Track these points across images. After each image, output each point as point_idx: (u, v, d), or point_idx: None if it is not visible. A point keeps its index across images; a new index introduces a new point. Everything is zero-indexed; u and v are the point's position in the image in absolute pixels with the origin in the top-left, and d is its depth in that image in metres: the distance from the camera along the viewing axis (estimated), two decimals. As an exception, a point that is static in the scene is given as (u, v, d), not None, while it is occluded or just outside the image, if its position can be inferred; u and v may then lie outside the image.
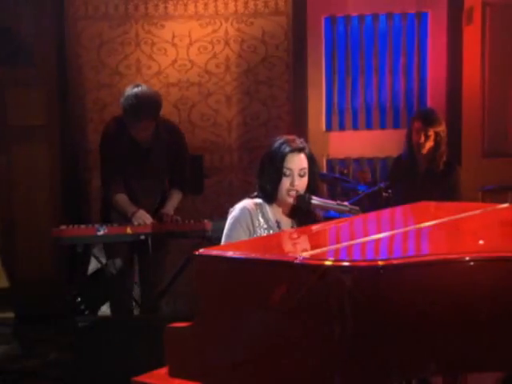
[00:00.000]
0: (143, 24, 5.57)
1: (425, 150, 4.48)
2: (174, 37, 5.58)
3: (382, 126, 5.60)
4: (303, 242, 2.57)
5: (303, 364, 1.97)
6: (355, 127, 5.62)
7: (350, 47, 5.59)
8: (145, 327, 3.97)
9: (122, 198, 4.40)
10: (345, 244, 2.30)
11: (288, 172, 3.11)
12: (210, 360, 2.18)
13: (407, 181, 4.51)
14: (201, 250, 2.23)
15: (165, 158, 4.51)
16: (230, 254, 2.14)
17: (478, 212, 2.77)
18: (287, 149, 3.12)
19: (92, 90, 5.61)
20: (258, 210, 3.13)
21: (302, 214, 3.19)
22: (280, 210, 3.20)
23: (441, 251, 2.17)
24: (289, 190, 3.12)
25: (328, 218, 4.00)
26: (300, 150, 3.15)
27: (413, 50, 5.57)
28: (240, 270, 2.08)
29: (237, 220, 3.10)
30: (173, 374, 2.33)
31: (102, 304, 4.84)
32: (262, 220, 3.12)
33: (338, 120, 5.65)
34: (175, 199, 4.58)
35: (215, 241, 3.92)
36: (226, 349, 2.14)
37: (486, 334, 1.98)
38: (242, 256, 2.12)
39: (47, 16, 5.56)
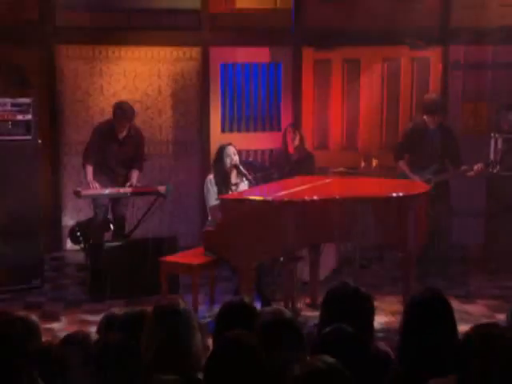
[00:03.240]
0: (105, 63, 8.74)
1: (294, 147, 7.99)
2: (125, 71, 8.79)
3: (257, 130, 9.13)
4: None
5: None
6: (239, 130, 9.11)
7: (236, 83, 9.04)
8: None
9: (89, 169, 7.36)
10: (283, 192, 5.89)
11: None
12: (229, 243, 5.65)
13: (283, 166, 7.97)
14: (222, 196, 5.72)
15: (132, 148, 7.69)
16: (239, 197, 5.67)
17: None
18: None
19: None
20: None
21: None
22: None
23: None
24: None
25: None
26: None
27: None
28: (245, 204, 5.60)
29: (210, 184, 6.53)
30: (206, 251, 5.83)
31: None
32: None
33: (228, 125, 9.09)
34: (135, 174, 7.77)
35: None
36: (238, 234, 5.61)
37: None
38: (245, 198, 5.66)
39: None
